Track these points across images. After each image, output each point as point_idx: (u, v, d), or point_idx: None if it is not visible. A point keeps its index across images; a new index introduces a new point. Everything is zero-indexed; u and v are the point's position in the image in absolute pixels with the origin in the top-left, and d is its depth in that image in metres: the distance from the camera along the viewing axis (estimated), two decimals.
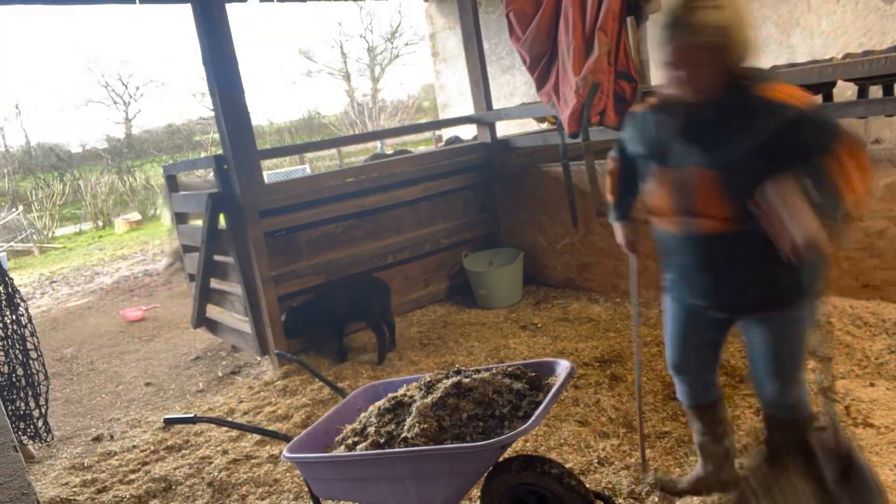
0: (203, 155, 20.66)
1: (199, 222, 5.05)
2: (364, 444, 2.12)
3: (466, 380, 2.18)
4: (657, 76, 7.07)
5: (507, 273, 5.06)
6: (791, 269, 1.82)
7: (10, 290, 3.61)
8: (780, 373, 2.03)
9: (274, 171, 16.28)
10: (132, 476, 3.38)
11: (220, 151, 4.50)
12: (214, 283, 5.21)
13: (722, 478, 2.42)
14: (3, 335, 3.60)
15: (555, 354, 3.95)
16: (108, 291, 8.70)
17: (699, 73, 1.84)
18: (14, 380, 3.64)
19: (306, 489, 2.83)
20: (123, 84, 27.49)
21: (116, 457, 3.65)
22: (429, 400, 2.12)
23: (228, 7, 4.31)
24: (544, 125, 6.14)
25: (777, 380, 2.04)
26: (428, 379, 2.29)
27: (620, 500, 2.50)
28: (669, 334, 2.28)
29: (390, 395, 2.33)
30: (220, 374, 4.79)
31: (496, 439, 1.92)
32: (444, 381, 2.22)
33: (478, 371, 2.31)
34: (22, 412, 3.67)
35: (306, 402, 3.84)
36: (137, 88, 27.91)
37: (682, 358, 2.27)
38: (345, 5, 32.42)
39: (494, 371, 2.29)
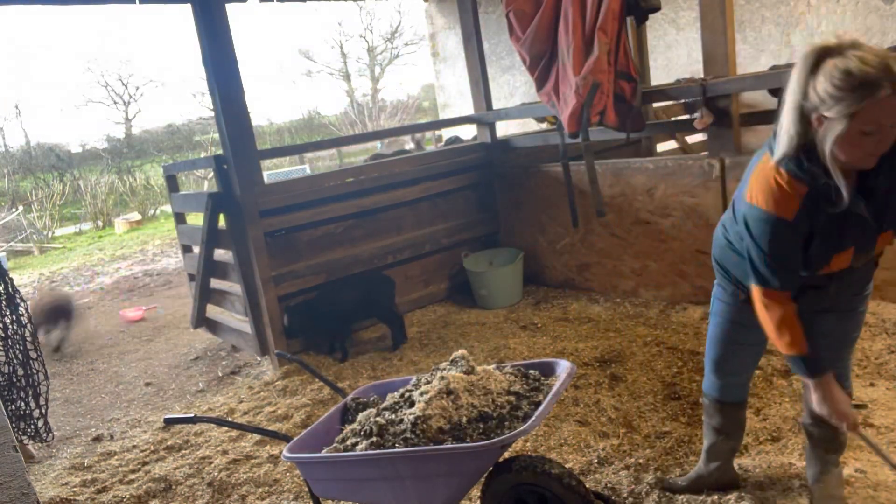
0: (203, 155, 20.66)
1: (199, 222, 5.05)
2: (364, 442, 2.12)
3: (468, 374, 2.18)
4: (657, 76, 7.03)
5: (507, 273, 5.06)
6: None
7: (10, 290, 3.61)
8: (849, 353, 2.21)
9: (274, 172, 16.30)
10: (132, 476, 3.38)
11: (220, 151, 4.50)
12: (214, 283, 5.21)
13: (724, 477, 2.43)
14: (3, 335, 3.60)
15: (555, 354, 3.95)
16: (108, 291, 8.71)
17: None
18: (14, 380, 3.64)
19: (306, 489, 2.83)
20: (123, 84, 27.49)
21: (116, 457, 3.65)
22: (436, 382, 2.14)
23: (228, 7, 4.31)
24: (544, 125, 6.14)
25: (849, 359, 2.21)
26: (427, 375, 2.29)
27: (620, 500, 2.50)
28: (723, 337, 2.24)
29: (390, 395, 2.33)
30: (220, 374, 4.79)
31: (496, 439, 1.92)
32: (448, 371, 2.24)
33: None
34: (22, 412, 3.67)
35: (306, 402, 3.84)
36: (137, 88, 27.91)
37: (735, 357, 2.26)
38: (345, 5, 32.42)
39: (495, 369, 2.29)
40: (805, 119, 1.68)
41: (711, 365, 2.31)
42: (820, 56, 1.62)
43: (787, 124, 1.72)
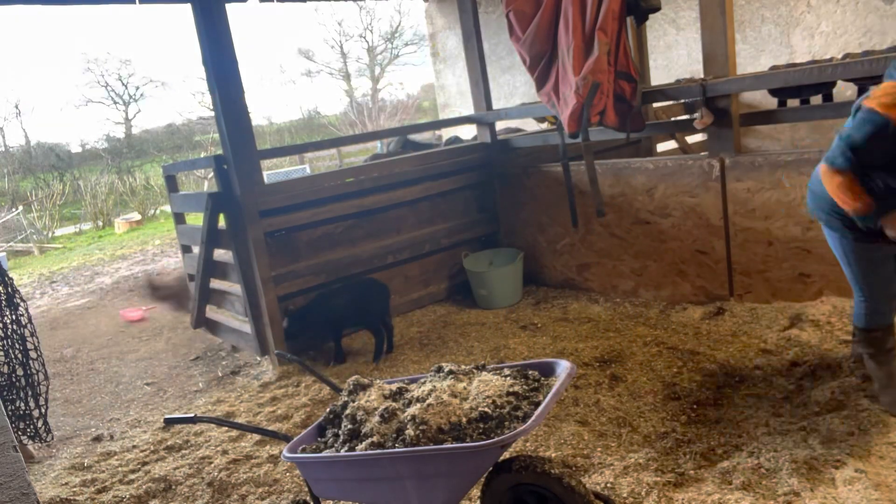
0: (203, 155, 20.66)
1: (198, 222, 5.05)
2: (362, 444, 2.12)
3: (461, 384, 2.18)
4: (657, 76, 7.03)
5: (507, 273, 5.06)
6: None
7: (10, 290, 3.61)
8: None
9: (274, 171, 16.30)
10: (132, 476, 3.38)
11: (220, 151, 4.50)
12: (214, 283, 5.21)
13: None
14: (3, 335, 3.60)
15: (555, 354, 3.94)
16: (108, 291, 8.70)
17: None
18: (14, 380, 3.64)
19: (306, 489, 2.83)
20: (123, 84, 27.52)
21: (116, 457, 3.65)
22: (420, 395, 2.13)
23: (228, 7, 4.31)
24: (544, 125, 6.14)
25: None
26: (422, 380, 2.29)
27: (620, 500, 2.50)
28: (868, 272, 2.65)
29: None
30: (220, 374, 4.79)
31: (496, 439, 1.92)
32: (438, 383, 2.23)
33: (475, 370, 2.32)
34: (22, 412, 3.67)
35: (306, 402, 3.84)
36: (137, 88, 27.93)
37: (886, 287, 2.69)
38: (345, 5, 32.43)
39: (493, 371, 2.29)
40: None
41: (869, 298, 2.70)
42: None
43: None
